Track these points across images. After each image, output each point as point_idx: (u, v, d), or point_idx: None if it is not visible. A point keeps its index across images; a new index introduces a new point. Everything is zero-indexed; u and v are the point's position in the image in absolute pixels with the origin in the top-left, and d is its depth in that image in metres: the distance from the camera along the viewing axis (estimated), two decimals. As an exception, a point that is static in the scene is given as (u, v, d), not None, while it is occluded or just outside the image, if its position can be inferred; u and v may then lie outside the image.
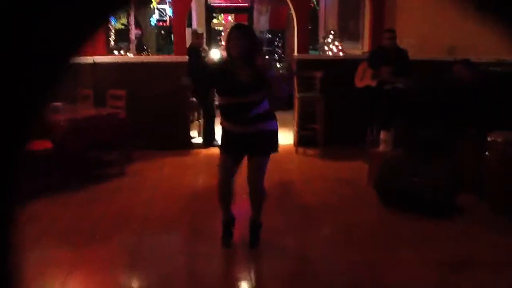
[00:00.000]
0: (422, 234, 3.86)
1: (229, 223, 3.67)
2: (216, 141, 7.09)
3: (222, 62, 3.77)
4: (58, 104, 5.23)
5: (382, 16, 6.84)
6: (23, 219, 3.19)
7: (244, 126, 3.36)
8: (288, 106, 7.65)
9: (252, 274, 3.32)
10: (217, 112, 7.30)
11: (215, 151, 6.80)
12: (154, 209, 4.48)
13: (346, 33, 8.76)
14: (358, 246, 3.67)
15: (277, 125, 3.55)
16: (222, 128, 3.51)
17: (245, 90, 3.28)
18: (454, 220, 4.09)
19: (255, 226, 3.62)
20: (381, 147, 4.96)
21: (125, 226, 4.07)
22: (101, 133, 5.26)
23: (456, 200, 4.26)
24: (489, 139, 4.22)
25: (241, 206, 4.69)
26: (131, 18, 10.92)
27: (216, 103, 7.99)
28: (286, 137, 7.42)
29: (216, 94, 3.76)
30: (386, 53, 5.85)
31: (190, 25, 10.02)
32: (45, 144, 4.84)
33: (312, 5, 9.75)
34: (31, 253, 3.56)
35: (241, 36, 3.30)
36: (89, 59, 6.40)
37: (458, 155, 4.55)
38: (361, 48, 7.65)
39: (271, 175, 5.60)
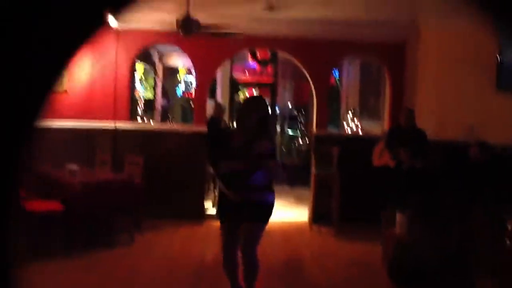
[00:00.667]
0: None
1: None
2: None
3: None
4: (74, 166, 5.29)
5: (402, 94, 6.88)
6: (16, 283, 3.07)
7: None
8: (305, 183, 7.59)
9: None
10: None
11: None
12: (158, 282, 4.35)
13: (366, 111, 8.82)
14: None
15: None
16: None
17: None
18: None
19: None
20: (397, 230, 4.79)
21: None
22: (114, 198, 5.25)
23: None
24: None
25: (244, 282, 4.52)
26: (158, 89, 11.32)
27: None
28: (301, 214, 7.29)
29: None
30: (403, 133, 5.81)
31: (214, 97, 10.28)
32: (56, 206, 4.85)
33: (334, 83, 9.95)
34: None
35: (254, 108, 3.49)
36: (110, 125, 6.55)
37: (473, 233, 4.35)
38: (382, 126, 7.65)
39: (280, 251, 5.48)
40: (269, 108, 3.78)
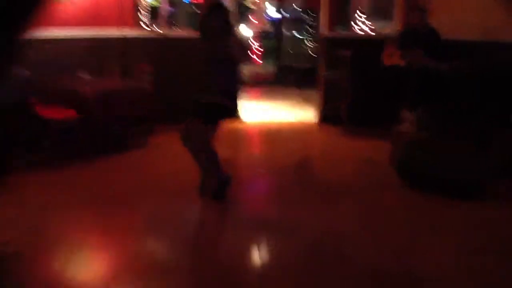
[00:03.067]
0: (447, 218, 3.77)
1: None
2: (240, 115, 7.10)
3: None
4: (86, 75, 5.33)
5: (416, -7, 6.62)
6: (46, 182, 3.31)
7: None
8: (313, 85, 7.59)
9: (265, 246, 3.34)
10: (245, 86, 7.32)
11: (239, 124, 6.87)
12: (172, 180, 4.55)
13: (378, 12, 8.55)
14: (373, 227, 3.64)
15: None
16: None
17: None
18: (483, 205, 3.97)
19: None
20: (404, 127, 4.87)
21: (142, 196, 4.15)
22: (126, 105, 5.34)
23: (491, 184, 4.14)
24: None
25: (258, 181, 4.73)
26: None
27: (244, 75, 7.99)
28: (309, 115, 7.38)
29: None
30: (416, 33, 5.68)
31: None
32: (71, 113, 4.96)
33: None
34: (55, 215, 3.71)
35: None
36: (118, 33, 6.47)
37: (499, 143, 4.41)
38: (393, 27, 7.47)
39: (291, 150, 5.64)
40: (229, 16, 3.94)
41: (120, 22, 6.49)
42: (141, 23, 7.58)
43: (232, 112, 3.91)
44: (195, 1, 12.00)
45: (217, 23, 3.78)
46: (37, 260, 3.03)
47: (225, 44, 3.76)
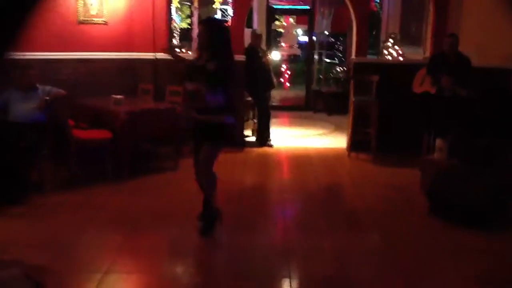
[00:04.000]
0: (466, 246, 3.72)
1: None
2: (270, 141, 7.16)
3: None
4: (120, 97, 5.47)
5: (446, 20, 6.62)
6: (76, 203, 3.40)
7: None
8: (345, 110, 7.59)
9: (288, 271, 3.32)
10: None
11: (268, 150, 6.91)
12: (201, 203, 4.58)
13: (407, 37, 8.55)
14: (397, 254, 3.60)
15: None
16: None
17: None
18: (502, 234, 3.92)
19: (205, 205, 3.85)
20: (436, 155, 4.82)
21: (171, 217, 4.20)
22: (157, 127, 5.44)
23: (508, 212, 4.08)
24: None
25: (285, 206, 4.73)
26: (195, 18, 11.21)
27: (272, 102, 8.06)
28: (339, 141, 7.37)
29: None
30: (446, 59, 5.66)
31: (251, 26, 10.15)
32: (104, 134, 5.09)
33: (374, 8, 9.61)
34: (80, 236, 3.78)
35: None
36: (151, 55, 6.65)
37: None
38: (423, 53, 7.44)
39: (320, 177, 5.63)
40: (221, 29, 3.81)
41: (153, 45, 6.66)
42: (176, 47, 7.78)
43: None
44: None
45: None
46: (64, 283, 3.08)
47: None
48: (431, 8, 6.82)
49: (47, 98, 4.87)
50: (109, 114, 5.28)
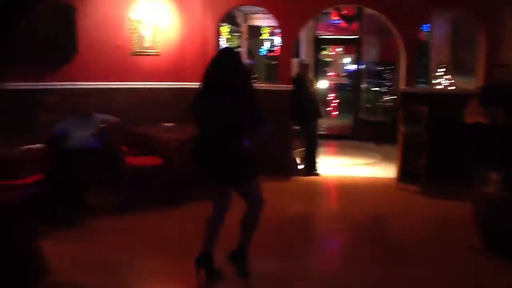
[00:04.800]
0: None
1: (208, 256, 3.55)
2: (316, 170, 7.13)
3: None
4: (170, 124, 5.65)
5: (498, 50, 6.47)
6: (126, 227, 3.51)
7: None
8: (393, 140, 7.48)
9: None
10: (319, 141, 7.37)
11: (315, 179, 6.89)
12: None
13: (458, 67, 8.40)
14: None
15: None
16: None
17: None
18: None
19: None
20: (489, 188, 4.65)
21: (218, 245, 4.22)
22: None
23: None
24: None
25: (328, 235, 4.68)
26: (244, 48, 11.47)
27: (319, 131, 8.05)
28: (387, 171, 7.25)
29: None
30: (499, 90, 5.51)
31: (298, 55, 10.27)
32: (155, 160, 5.24)
33: (423, 38, 9.52)
34: (129, 259, 3.88)
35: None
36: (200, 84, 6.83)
37: None
38: (475, 83, 7.28)
39: (367, 208, 5.54)
40: (237, 62, 3.44)
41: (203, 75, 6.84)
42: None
43: None
44: (272, 54, 12.44)
45: None
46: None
47: None
48: (482, 37, 6.70)
49: (102, 125, 5.09)
50: (160, 141, 5.44)
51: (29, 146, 4.43)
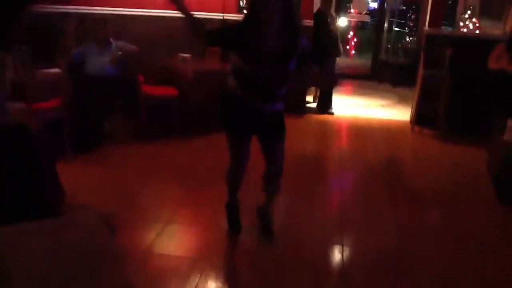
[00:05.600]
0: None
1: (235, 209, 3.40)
2: (331, 109, 7.09)
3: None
4: (187, 55, 5.58)
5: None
6: (143, 155, 3.56)
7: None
8: (411, 83, 7.36)
9: (342, 239, 3.35)
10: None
11: (328, 118, 6.87)
12: (261, 164, 4.65)
13: (487, 10, 8.06)
14: (458, 236, 3.52)
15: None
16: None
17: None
18: None
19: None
20: (506, 136, 4.61)
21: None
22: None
23: None
24: None
25: (345, 177, 4.71)
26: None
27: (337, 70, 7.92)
28: (403, 114, 7.19)
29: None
30: (529, 36, 5.31)
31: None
32: (171, 91, 5.24)
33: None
34: (145, 186, 3.99)
35: None
36: (219, 16, 6.68)
37: None
38: (503, 27, 7.02)
39: (381, 149, 5.55)
40: None
41: (222, 7, 6.68)
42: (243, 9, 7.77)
43: None
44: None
45: None
46: (127, 230, 3.27)
47: None
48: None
49: (120, 53, 5.05)
50: (176, 72, 5.41)
51: (48, 70, 4.42)
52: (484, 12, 8.16)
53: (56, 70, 4.48)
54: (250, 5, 2.77)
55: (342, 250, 3.21)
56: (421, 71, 6.32)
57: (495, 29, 7.40)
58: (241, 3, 10.01)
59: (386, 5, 10.79)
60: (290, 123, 6.14)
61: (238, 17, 6.96)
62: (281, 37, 2.70)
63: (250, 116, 2.91)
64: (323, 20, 6.82)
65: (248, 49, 2.71)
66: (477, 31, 7.43)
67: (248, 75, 2.77)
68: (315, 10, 6.94)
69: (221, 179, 4.21)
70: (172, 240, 3.23)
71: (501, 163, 4.27)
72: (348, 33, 11.68)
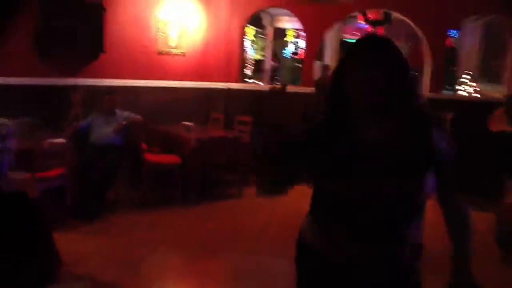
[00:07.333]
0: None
1: None
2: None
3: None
4: (190, 124, 5.71)
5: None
6: (146, 224, 3.56)
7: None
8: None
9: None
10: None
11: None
12: (265, 232, 4.63)
13: (486, 74, 8.25)
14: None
15: None
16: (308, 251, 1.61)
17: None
18: None
19: None
20: (509, 198, 4.55)
21: (235, 245, 4.26)
22: (225, 154, 5.58)
23: None
24: None
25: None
26: (268, 50, 11.50)
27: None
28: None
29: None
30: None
31: (323, 59, 10.24)
32: (174, 159, 5.31)
33: (451, 44, 9.38)
34: (148, 255, 3.93)
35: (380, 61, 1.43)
36: (223, 85, 6.89)
37: None
38: (504, 90, 7.14)
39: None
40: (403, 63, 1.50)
41: (226, 76, 6.91)
42: (246, 77, 8.03)
43: None
44: (296, 57, 12.43)
45: None
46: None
47: None
48: (512, 44, 6.57)
49: (124, 122, 5.18)
50: (180, 140, 5.50)
51: (53, 140, 4.53)
52: (485, 76, 8.35)
53: (61, 139, 4.58)
54: (335, 78, 1.57)
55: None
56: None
57: (496, 93, 7.53)
58: (244, 71, 10.35)
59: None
60: (297, 188, 6.20)
61: (241, 85, 7.18)
62: (398, 132, 1.47)
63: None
64: (324, 87, 6.99)
65: (339, 154, 1.49)
66: (477, 95, 7.56)
67: (336, 204, 1.50)
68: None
69: (225, 247, 4.19)
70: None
71: (507, 225, 4.19)
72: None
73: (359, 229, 1.47)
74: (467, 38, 9.49)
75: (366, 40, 1.56)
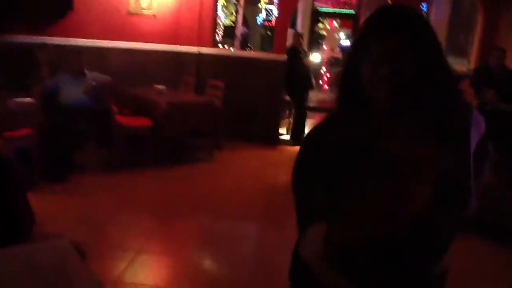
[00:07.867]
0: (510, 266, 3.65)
1: None
2: (304, 141, 7.19)
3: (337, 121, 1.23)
4: (162, 87, 5.64)
5: (495, 33, 6.51)
6: (114, 185, 3.55)
7: None
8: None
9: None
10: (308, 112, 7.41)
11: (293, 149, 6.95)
12: (233, 196, 4.69)
13: (453, 48, 8.44)
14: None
15: None
16: None
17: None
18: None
19: None
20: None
21: (203, 208, 4.32)
22: (196, 119, 5.57)
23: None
24: None
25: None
26: (239, 16, 11.35)
27: (309, 103, 8.06)
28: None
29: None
30: (491, 73, 5.58)
31: (295, 26, 10.20)
32: (145, 122, 5.26)
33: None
34: (116, 215, 3.95)
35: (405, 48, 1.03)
36: (195, 49, 6.80)
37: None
38: (468, 64, 7.35)
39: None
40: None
41: (198, 40, 6.81)
42: (217, 42, 7.95)
43: None
44: (267, 24, 12.34)
45: None
46: (97, 259, 3.22)
47: None
48: (480, 19, 6.73)
49: (93, 83, 5.07)
50: (151, 103, 5.45)
51: (21, 99, 4.40)
52: (449, 50, 8.53)
53: (28, 99, 4.46)
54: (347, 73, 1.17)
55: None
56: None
57: (461, 66, 7.73)
58: (216, 37, 10.22)
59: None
60: (263, 154, 6.29)
61: (212, 50, 7.10)
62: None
63: None
64: (295, 55, 7.01)
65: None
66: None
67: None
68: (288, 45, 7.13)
69: (193, 209, 4.24)
70: (142, 269, 3.20)
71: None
72: (321, 69, 11.98)
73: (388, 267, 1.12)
74: (435, 11, 9.63)
75: (392, 16, 1.06)
